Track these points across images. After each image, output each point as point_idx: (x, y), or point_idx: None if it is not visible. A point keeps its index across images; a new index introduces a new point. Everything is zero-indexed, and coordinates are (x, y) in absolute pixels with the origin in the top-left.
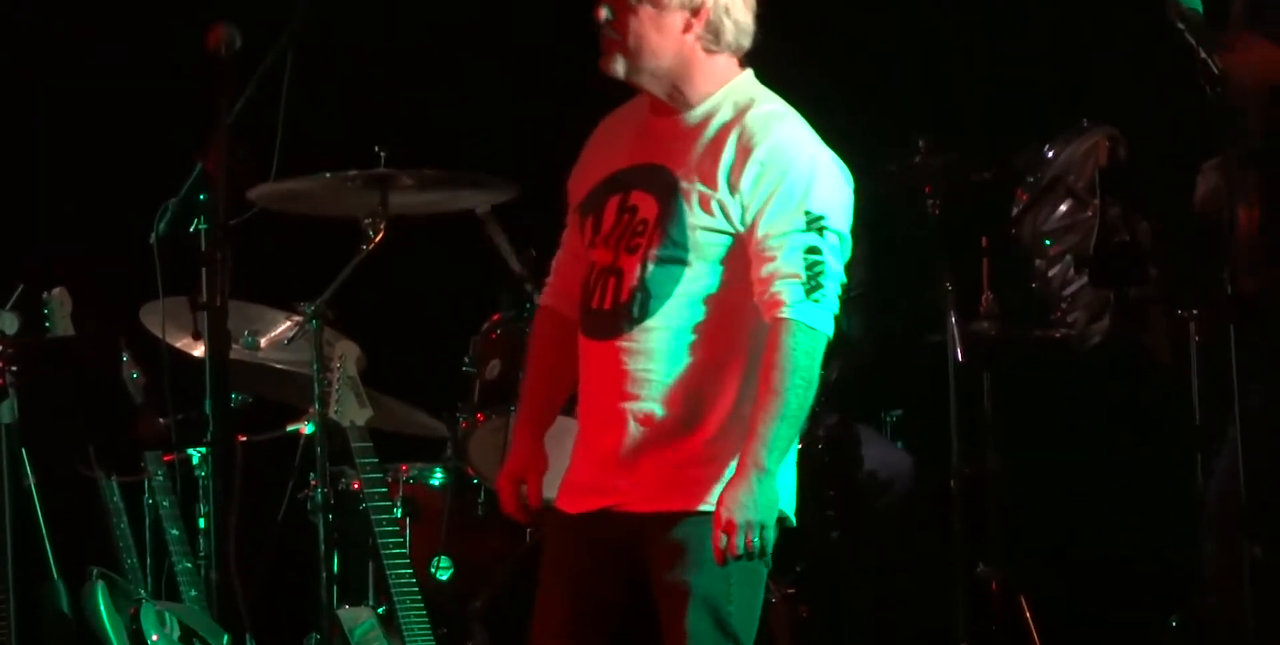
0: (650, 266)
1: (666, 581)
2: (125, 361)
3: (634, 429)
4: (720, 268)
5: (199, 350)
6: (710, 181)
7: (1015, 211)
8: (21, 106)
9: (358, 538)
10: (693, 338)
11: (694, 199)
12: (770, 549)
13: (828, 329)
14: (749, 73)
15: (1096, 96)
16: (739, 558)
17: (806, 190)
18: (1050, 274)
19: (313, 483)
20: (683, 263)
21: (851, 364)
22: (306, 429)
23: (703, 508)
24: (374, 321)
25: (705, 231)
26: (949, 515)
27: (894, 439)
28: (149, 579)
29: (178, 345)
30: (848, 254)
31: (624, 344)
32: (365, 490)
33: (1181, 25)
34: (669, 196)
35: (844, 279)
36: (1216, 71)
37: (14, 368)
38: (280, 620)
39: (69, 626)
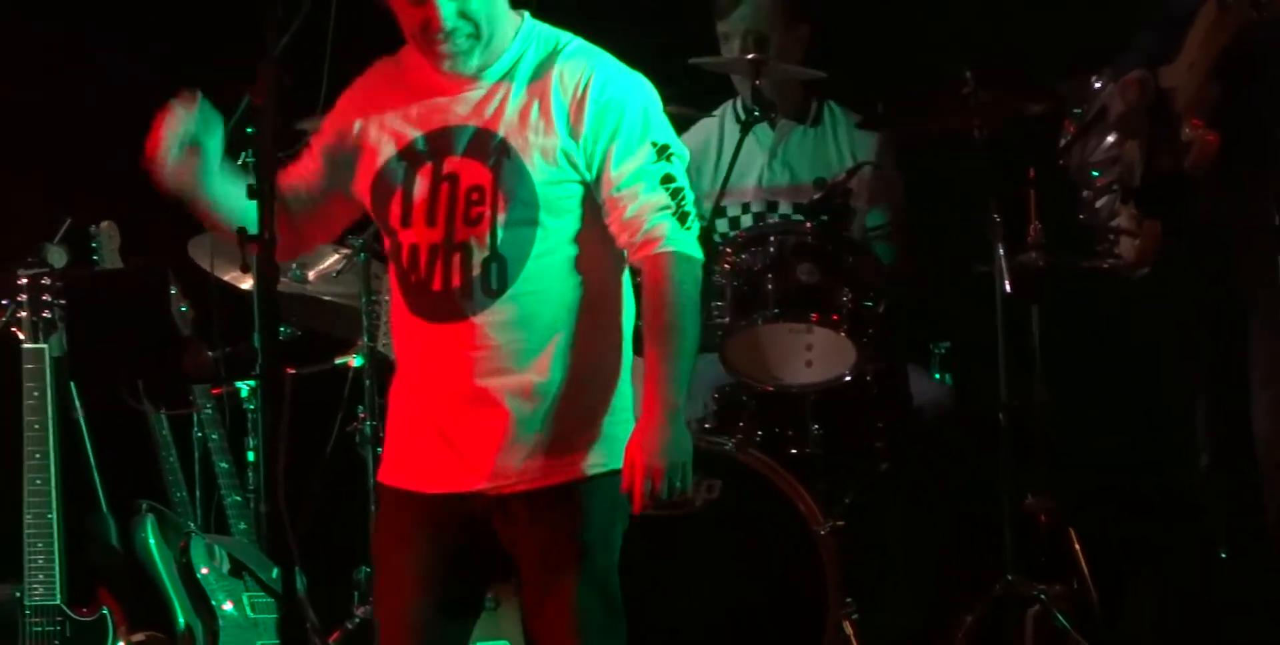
0: (501, 233)
1: (546, 550)
2: (174, 294)
3: (514, 404)
4: (570, 219)
5: (247, 283)
6: (548, 132)
7: (1063, 142)
8: (69, 37)
9: None
10: (558, 299)
11: (533, 154)
12: (689, 488)
13: (701, 255)
14: (527, 14)
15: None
16: (660, 502)
17: (645, 122)
18: (1097, 205)
19: (361, 415)
20: (534, 223)
21: (901, 294)
22: (355, 362)
23: (589, 473)
24: None
25: (553, 185)
26: (996, 447)
27: (941, 371)
28: (198, 512)
29: (226, 278)
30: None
31: (484, 319)
32: None
33: None
34: (501, 156)
35: (694, 196)
36: None
37: (63, 301)
38: (329, 553)
39: (118, 559)
